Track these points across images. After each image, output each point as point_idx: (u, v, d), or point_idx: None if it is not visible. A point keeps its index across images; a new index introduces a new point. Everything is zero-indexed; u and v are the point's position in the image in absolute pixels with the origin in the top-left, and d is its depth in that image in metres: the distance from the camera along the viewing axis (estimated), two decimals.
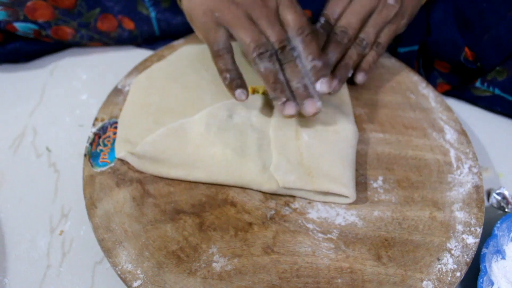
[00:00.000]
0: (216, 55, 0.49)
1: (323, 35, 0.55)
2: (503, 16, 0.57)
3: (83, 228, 0.53)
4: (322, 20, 0.56)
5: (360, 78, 0.57)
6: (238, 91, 0.49)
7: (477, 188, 0.51)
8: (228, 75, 0.49)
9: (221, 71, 0.49)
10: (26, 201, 0.55)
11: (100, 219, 0.47)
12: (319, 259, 0.45)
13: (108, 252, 0.45)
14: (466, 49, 0.59)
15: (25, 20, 0.63)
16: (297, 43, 0.49)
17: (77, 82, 0.67)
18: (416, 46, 0.63)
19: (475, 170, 0.52)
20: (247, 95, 0.49)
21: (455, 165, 0.53)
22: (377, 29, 0.55)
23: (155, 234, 0.46)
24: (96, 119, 0.54)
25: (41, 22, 0.64)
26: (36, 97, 0.65)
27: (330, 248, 0.46)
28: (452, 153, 0.54)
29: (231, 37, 0.50)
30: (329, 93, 0.50)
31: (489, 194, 0.57)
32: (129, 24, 0.67)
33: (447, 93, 0.65)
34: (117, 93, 0.57)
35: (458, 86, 0.64)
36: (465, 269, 0.45)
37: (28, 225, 0.53)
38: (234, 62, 0.50)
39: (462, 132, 0.55)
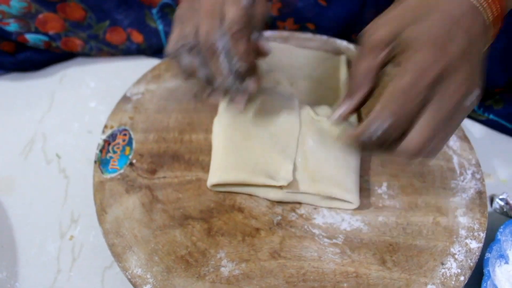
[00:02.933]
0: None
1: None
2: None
3: (93, 233, 0.54)
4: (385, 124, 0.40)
5: None
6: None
7: (480, 193, 0.51)
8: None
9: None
10: (36, 206, 0.56)
11: (110, 225, 0.48)
12: (325, 263, 0.46)
13: (118, 256, 0.46)
14: None
15: (36, 32, 0.65)
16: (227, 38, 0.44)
17: (85, 89, 0.68)
18: None
19: (478, 176, 0.53)
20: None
21: (458, 171, 0.53)
22: None
23: (164, 239, 0.47)
24: (105, 127, 0.56)
25: (52, 34, 0.66)
26: (46, 105, 0.66)
27: (336, 253, 0.47)
28: (455, 159, 0.54)
29: None
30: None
31: (492, 199, 0.58)
32: (137, 37, 0.69)
33: None
34: (126, 101, 0.58)
35: None
36: (468, 273, 0.46)
37: (39, 230, 0.54)
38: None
39: (465, 139, 0.56)
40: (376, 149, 0.42)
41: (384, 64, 0.41)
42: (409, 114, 0.38)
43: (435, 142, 0.39)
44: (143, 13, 0.68)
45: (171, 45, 0.46)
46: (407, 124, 0.39)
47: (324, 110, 0.55)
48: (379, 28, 0.41)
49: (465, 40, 0.38)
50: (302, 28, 0.70)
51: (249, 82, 0.46)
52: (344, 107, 0.44)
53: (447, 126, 0.40)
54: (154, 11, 0.66)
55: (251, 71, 0.46)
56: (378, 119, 0.39)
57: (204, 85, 0.47)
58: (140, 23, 0.68)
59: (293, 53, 0.62)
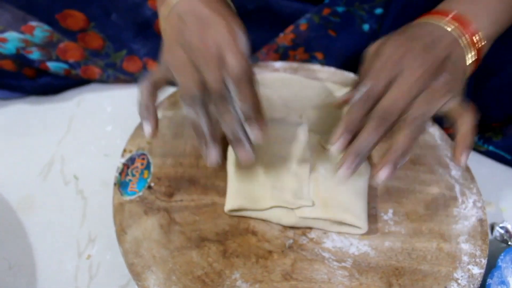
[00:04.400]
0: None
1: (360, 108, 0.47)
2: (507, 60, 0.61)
3: (109, 253, 0.55)
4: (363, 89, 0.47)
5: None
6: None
7: (481, 221, 0.54)
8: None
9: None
10: (54, 226, 0.58)
11: (130, 245, 0.50)
12: (334, 286, 0.48)
13: (137, 276, 0.48)
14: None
15: (57, 60, 0.68)
16: (233, 88, 0.45)
17: (102, 114, 0.70)
18: None
19: (479, 204, 0.56)
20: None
21: (460, 200, 0.56)
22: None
23: (182, 259, 0.49)
24: (124, 151, 0.58)
25: (72, 62, 0.69)
26: (64, 127, 0.68)
27: (345, 275, 0.49)
28: (457, 188, 0.57)
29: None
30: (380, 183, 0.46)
31: (492, 227, 0.60)
32: (153, 66, 0.72)
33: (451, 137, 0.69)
34: None
35: None
36: None
37: (57, 249, 0.55)
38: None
39: (466, 169, 0.59)
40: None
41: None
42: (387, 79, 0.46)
43: (416, 105, 0.45)
44: (159, 43, 0.71)
45: (188, 100, 0.46)
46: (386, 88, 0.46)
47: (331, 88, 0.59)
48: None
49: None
50: (311, 58, 0.73)
51: (254, 130, 0.46)
52: (340, 142, 0.47)
53: (426, 89, 0.46)
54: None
55: (258, 117, 0.46)
56: (361, 86, 0.46)
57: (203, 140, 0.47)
58: (156, 52, 0.71)
59: (302, 84, 0.65)
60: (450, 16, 0.50)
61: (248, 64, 0.45)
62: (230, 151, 0.56)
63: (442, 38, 0.49)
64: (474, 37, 0.49)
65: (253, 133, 0.46)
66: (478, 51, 0.50)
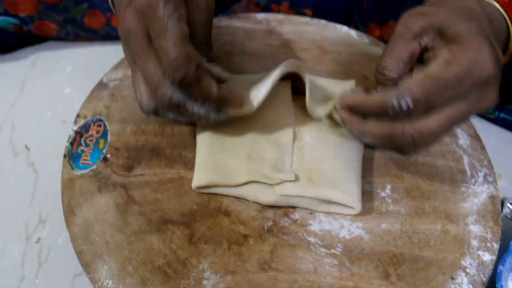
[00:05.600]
0: None
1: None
2: None
3: (62, 235, 0.49)
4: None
5: None
6: None
7: (493, 199, 0.47)
8: None
9: None
10: (0, 203, 0.51)
11: (79, 228, 0.42)
12: (321, 277, 0.41)
13: (86, 266, 0.40)
14: None
15: (5, 13, 0.60)
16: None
17: (60, 74, 0.63)
18: None
19: (490, 179, 0.48)
20: None
21: (469, 173, 0.48)
22: None
23: (140, 246, 0.41)
24: (78, 116, 0.50)
25: (23, 16, 0.61)
26: (16, 90, 0.61)
27: (334, 264, 0.41)
28: (466, 160, 0.49)
29: None
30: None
31: (502, 204, 0.53)
32: (118, 22, 0.62)
33: None
34: (102, 87, 0.52)
35: None
36: None
37: (1, 231, 0.49)
38: None
39: (476, 137, 0.51)
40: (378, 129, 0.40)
41: (419, 54, 0.41)
42: (440, 102, 0.38)
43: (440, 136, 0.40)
44: None
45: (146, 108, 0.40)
46: (428, 110, 0.38)
47: (327, 83, 0.50)
48: (418, 19, 0.40)
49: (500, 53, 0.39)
50: (298, 14, 0.65)
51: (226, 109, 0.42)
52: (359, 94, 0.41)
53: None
54: None
55: (225, 100, 0.41)
56: (408, 93, 0.37)
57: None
58: None
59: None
60: None
61: (186, 53, 0.36)
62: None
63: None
64: None
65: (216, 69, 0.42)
66: None
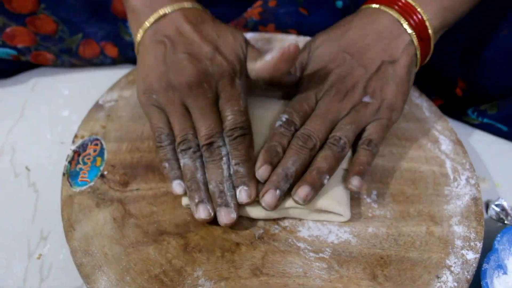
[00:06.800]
0: (157, 142, 0.47)
1: (284, 136, 0.46)
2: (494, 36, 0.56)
3: (63, 251, 0.50)
4: (283, 117, 0.47)
5: (355, 183, 0.45)
6: (175, 182, 0.45)
7: (475, 200, 0.48)
8: (167, 165, 0.46)
9: (160, 160, 0.47)
10: (2, 223, 0.52)
11: (79, 242, 0.44)
12: (311, 280, 0.42)
13: (86, 277, 0.42)
14: (459, 80, 0.59)
15: (3, 45, 0.61)
16: (227, 143, 0.46)
17: (59, 98, 0.65)
18: None
19: (472, 181, 0.50)
20: (184, 189, 0.45)
21: (451, 177, 0.50)
22: (355, 127, 0.47)
23: (137, 257, 0.43)
24: (75, 136, 0.52)
25: (21, 47, 0.62)
26: (16, 114, 0.62)
27: (323, 268, 0.43)
28: (448, 164, 0.51)
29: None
30: (302, 203, 0.44)
31: (487, 206, 0.55)
32: (112, 51, 0.65)
33: (440, 109, 0.63)
34: (98, 108, 0.55)
35: (450, 105, 0.63)
36: (465, 286, 0.43)
37: (4, 249, 0.50)
38: (174, 152, 0.46)
39: (458, 142, 0.53)
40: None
41: None
42: None
43: (338, 127, 0.48)
44: (117, 26, 0.64)
45: (164, 144, 0.46)
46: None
47: None
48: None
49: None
50: None
51: (240, 193, 0.44)
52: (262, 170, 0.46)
53: None
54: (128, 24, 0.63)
55: (245, 178, 0.44)
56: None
57: (193, 192, 0.45)
58: (115, 36, 0.64)
59: None
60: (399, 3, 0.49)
61: (247, 120, 0.46)
62: None
63: (384, 35, 0.49)
64: (419, 26, 0.49)
65: (242, 195, 0.44)
66: (425, 42, 0.49)
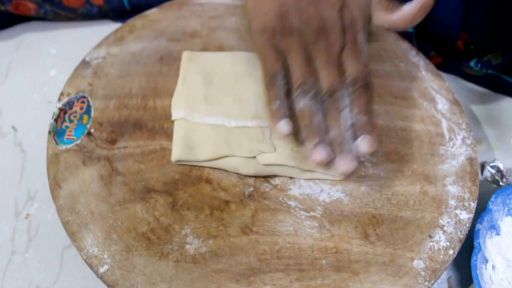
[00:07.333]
0: (268, 82, 0.44)
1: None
2: None
3: (51, 211, 0.49)
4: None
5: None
6: (284, 121, 0.42)
7: (470, 160, 0.47)
8: (278, 102, 0.43)
9: (270, 100, 0.43)
10: None
11: (65, 200, 0.43)
12: (301, 238, 0.42)
13: (73, 235, 0.41)
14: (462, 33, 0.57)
15: None
16: (349, 94, 0.44)
17: (45, 57, 0.63)
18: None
19: (468, 141, 0.49)
20: (291, 129, 0.42)
21: (447, 137, 0.49)
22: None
23: (124, 215, 0.42)
24: (61, 94, 0.50)
25: None
26: (1, 74, 0.61)
27: (314, 226, 0.42)
28: (444, 123, 0.50)
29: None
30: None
31: (483, 167, 0.54)
32: (99, 0, 0.62)
33: (439, 66, 0.61)
34: (85, 66, 0.53)
35: (450, 60, 0.61)
36: (458, 246, 0.42)
37: None
38: (285, 92, 0.43)
39: (455, 102, 0.52)
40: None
41: None
42: None
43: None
44: None
45: (279, 83, 0.44)
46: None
47: None
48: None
49: None
50: None
51: (362, 141, 0.42)
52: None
53: None
54: None
55: (368, 127, 0.42)
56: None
57: (313, 132, 0.42)
58: None
59: None
60: None
61: (367, 73, 0.44)
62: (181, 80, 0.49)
63: None
64: None
65: (364, 143, 0.42)
66: None
